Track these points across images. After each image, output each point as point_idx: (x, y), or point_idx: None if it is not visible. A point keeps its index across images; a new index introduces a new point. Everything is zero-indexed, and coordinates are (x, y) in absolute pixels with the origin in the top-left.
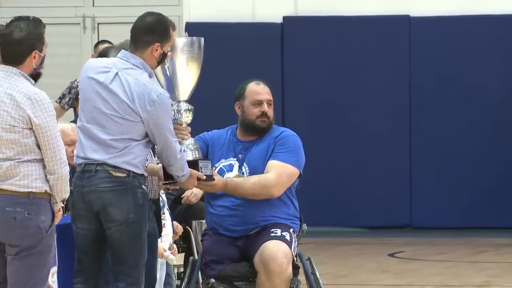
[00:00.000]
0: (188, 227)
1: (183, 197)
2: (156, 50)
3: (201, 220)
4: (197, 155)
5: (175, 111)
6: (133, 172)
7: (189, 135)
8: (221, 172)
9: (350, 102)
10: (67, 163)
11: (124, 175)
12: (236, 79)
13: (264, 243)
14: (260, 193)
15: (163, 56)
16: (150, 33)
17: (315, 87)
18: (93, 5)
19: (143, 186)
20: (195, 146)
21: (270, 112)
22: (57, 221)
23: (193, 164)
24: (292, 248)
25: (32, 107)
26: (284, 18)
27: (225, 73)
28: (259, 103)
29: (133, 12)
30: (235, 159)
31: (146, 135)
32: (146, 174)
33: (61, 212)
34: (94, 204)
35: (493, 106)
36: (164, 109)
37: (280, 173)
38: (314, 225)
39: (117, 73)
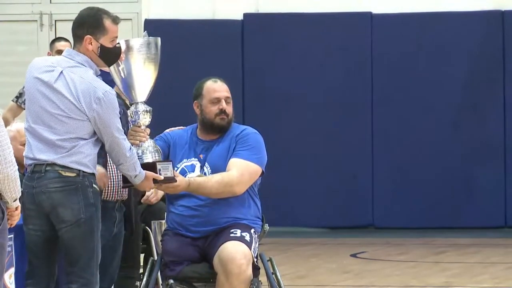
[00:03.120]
0: (147, 228)
1: (143, 196)
2: (90, 43)
3: (161, 221)
4: (156, 157)
5: (133, 112)
6: (83, 172)
7: (148, 137)
8: (183, 173)
9: (311, 99)
10: (13, 162)
11: (74, 174)
12: (197, 76)
13: (223, 244)
14: (223, 192)
15: (103, 49)
16: (81, 26)
17: (276, 85)
18: (50, 2)
19: (94, 186)
20: (154, 148)
21: (228, 109)
22: (14, 220)
23: (151, 166)
24: (252, 249)
25: None
26: (245, 15)
27: (185, 71)
28: (217, 100)
29: None
30: (197, 159)
31: (95, 133)
32: (96, 173)
33: (18, 212)
34: (44, 205)
35: (453, 104)
36: (110, 107)
37: (242, 171)
38: (274, 225)
39: (61, 72)
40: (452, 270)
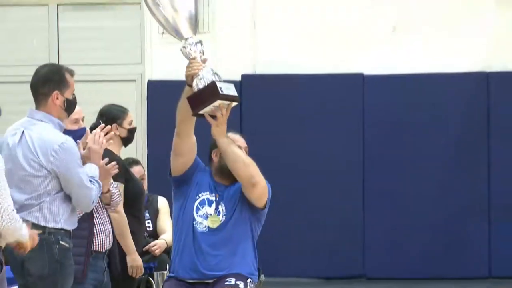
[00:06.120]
0: (150, 278)
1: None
2: (57, 98)
3: (163, 272)
4: (217, 79)
5: (184, 48)
6: (50, 228)
7: (204, 65)
8: (203, 204)
9: (306, 157)
10: (8, 215)
11: (40, 231)
12: (198, 133)
13: None
14: (248, 166)
15: (69, 102)
16: (47, 83)
17: (272, 143)
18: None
19: (61, 242)
20: (212, 72)
21: None
22: (33, 243)
23: (212, 87)
24: None
25: None
26: (243, 76)
27: None
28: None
29: (98, 71)
30: (214, 197)
31: (61, 189)
32: (69, 228)
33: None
34: (17, 260)
35: (441, 162)
36: (68, 157)
37: (261, 177)
38: (266, 275)
39: (23, 132)
40: None
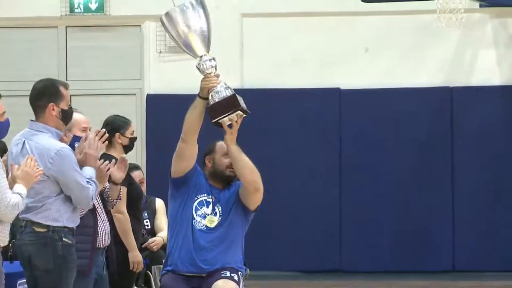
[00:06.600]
0: (149, 272)
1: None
2: (53, 109)
3: (160, 266)
4: (230, 92)
5: (199, 65)
6: (53, 227)
7: (219, 80)
8: (201, 205)
9: (287, 162)
10: (11, 206)
11: (45, 230)
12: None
13: (214, 282)
14: (254, 173)
15: (64, 112)
16: (42, 97)
17: (257, 149)
18: (67, 79)
19: (64, 239)
20: (226, 86)
21: None
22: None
23: (232, 98)
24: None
25: None
26: None
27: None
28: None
29: (102, 85)
30: (211, 199)
31: (61, 191)
32: (71, 226)
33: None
34: (24, 255)
35: (410, 168)
36: (64, 162)
37: (261, 183)
38: (250, 269)
39: (24, 142)
40: None
